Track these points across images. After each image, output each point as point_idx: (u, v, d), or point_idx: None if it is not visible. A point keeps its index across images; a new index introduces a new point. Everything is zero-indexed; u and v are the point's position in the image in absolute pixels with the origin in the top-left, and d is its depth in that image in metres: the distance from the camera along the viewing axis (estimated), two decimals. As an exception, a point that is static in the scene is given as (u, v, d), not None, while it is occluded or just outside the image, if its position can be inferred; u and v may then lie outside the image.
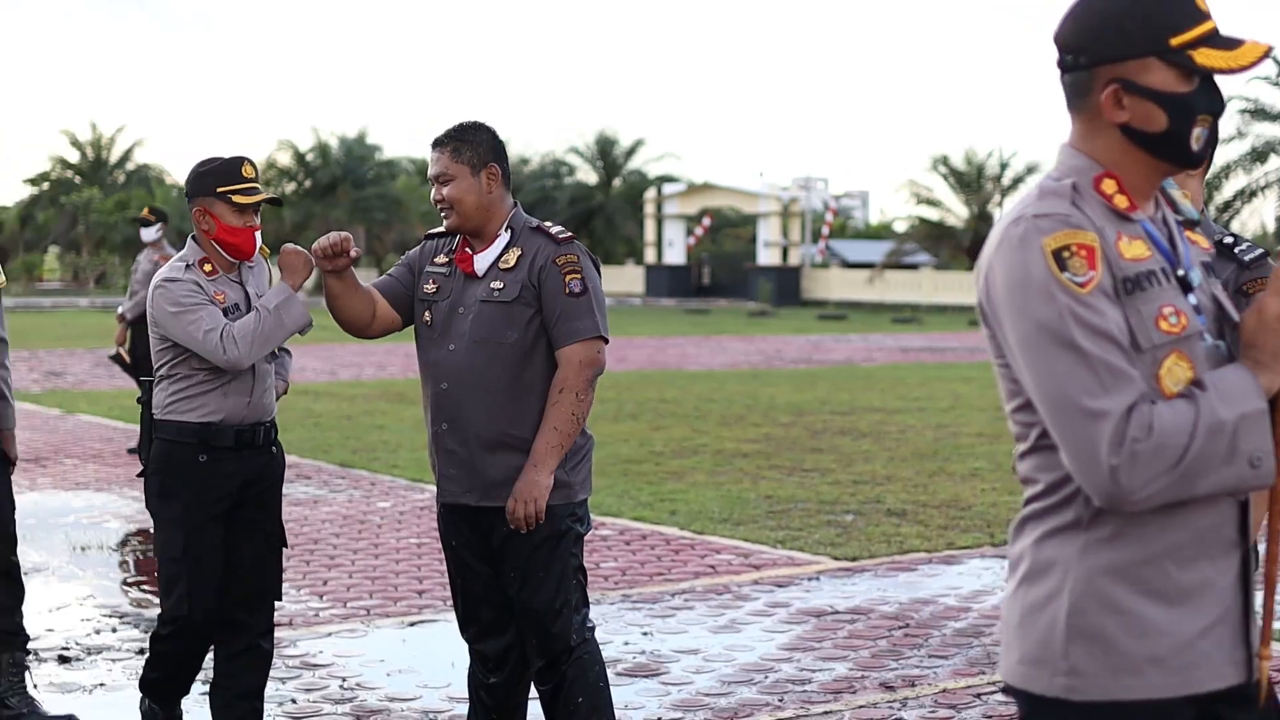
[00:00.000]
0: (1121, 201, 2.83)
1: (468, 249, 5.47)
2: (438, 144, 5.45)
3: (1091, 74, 2.84)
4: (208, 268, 5.94)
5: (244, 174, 5.90)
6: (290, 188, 76.41)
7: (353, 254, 5.47)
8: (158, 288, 5.86)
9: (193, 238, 6.00)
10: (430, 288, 5.51)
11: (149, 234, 15.58)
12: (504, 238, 5.43)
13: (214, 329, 5.74)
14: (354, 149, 76.13)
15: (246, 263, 6.09)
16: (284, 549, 6.22)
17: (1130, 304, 2.73)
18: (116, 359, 15.56)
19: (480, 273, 5.42)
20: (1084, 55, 2.84)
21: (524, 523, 5.26)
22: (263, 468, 6.04)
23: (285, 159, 76.45)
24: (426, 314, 5.50)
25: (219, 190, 5.88)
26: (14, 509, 6.85)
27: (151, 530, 6.77)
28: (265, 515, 6.07)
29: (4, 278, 6.83)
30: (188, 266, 5.91)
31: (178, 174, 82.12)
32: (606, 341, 5.41)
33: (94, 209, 75.70)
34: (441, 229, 5.56)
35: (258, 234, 5.98)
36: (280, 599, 6.23)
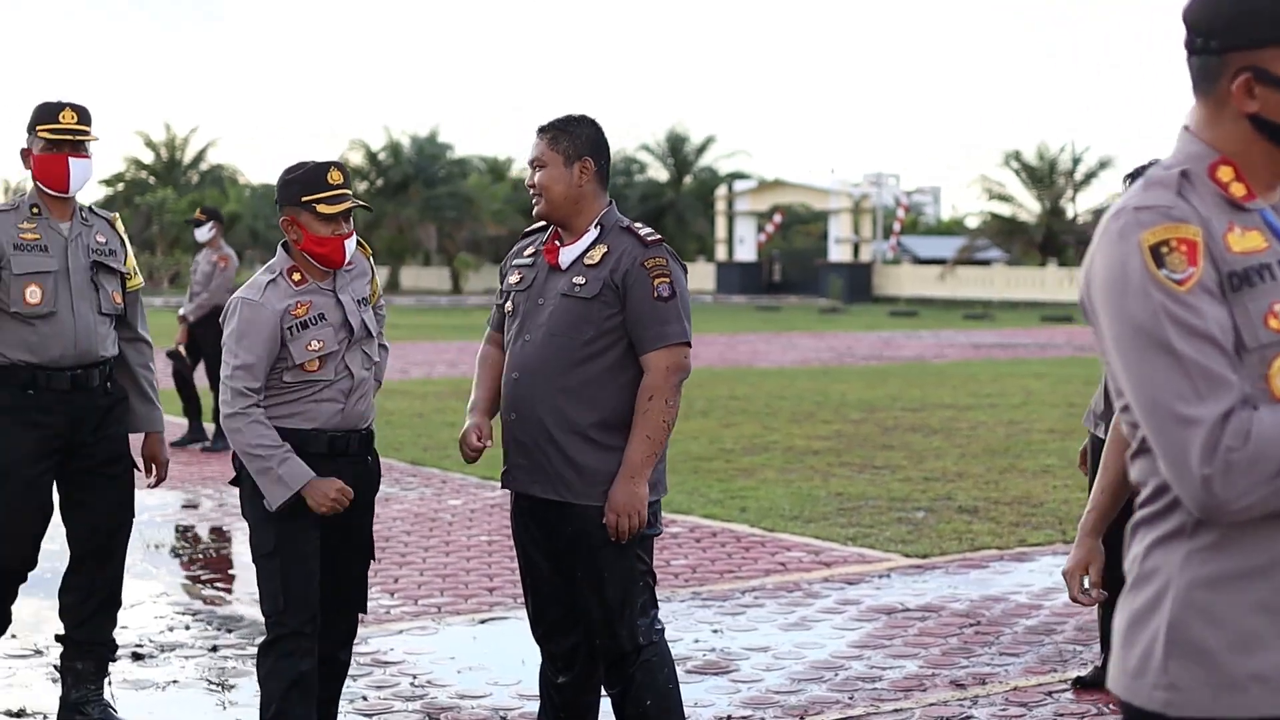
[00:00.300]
0: (1238, 189, 2.68)
1: (556, 241, 5.47)
2: (540, 130, 5.46)
3: (1222, 59, 2.67)
4: (296, 276, 5.67)
5: (330, 180, 5.63)
6: (363, 187, 76.76)
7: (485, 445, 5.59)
8: (232, 303, 5.66)
9: (282, 245, 5.75)
10: (514, 279, 5.52)
11: (202, 234, 15.66)
12: (592, 234, 5.40)
13: (230, 376, 5.55)
14: (425, 148, 76.41)
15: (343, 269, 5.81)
16: (371, 561, 5.98)
17: (1237, 300, 2.58)
18: (174, 355, 15.64)
19: (564, 266, 5.39)
20: (1214, 39, 2.67)
21: (624, 535, 5.26)
22: (356, 477, 5.74)
23: (357, 158, 76.82)
24: (509, 304, 5.51)
25: (304, 199, 5.60)
26: (132, 520, 6.76)
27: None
28: (356, 525, 5.81)
29: (140, 277, 6.79)
30: (273, 279, 5.66)
31: (251, 174, 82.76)
32: (691, 346, 5.37)
33: (168, 209, 76.25)
34: (535, 225, 5.60)
35: (349, 241, 5.70)
36: (365, 610, 6.07)
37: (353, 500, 5.66)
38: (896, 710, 6.83)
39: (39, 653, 7.78)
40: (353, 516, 5.73)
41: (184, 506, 12.41)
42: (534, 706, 6.79)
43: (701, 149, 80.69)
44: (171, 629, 8.33)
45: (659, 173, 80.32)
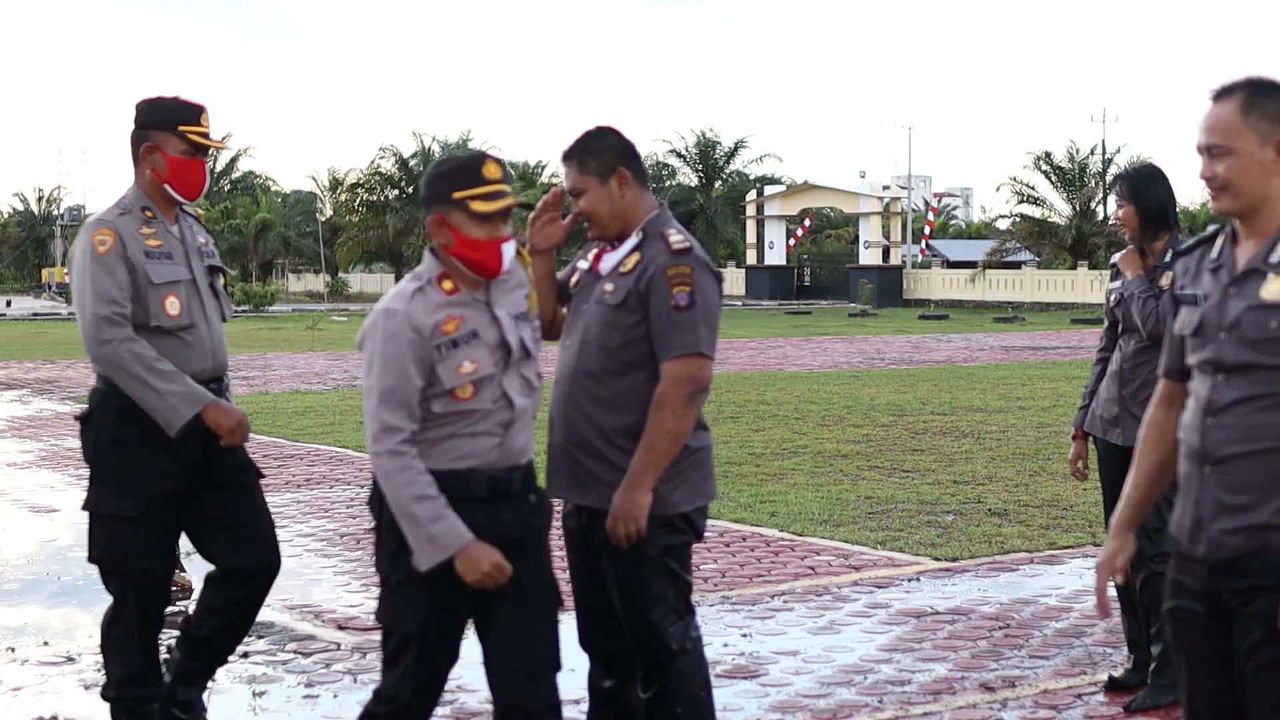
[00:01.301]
0: None
1: (607, 246, 5.48)
2: (565, 158, 5.44)
3: None
4: (448, 285, 4.93)
5: (485, 175, 4.95)
6: (393, 194, 76.95)
7: (563, 223, 5.51)
8: (372, 317, 4.90)
9: (430, 250, 5.01)
10: (574, 281, 5.54)
11: None
12: (633, 240, 5.37)
13: (371, 402, 4.80)
14: (455, 154, 76.60)
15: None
16: (559, 607, 5.10)
17: None
18: None
19: (604, 273, 5.40)
20: None
21: (624, 542, 5.26)
22: (518, 518, 4.96)
23: (388, 165, 76.99)
24: (564, 309, 5.54)
25: (456, 196, 4.91)
26: (267, 520, 6.42)
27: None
28: (528, 571, 4.95)
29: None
30: (420, 288, 4.91)
31: (283, 181, 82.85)
32: (710, 359, 5.26)
33: (202, 218, 76.53)
34: None
35: (508, 246, 5.00)
36: (559, 668, 5.08)
37: (518, 544, 4.93)
38: (926, 714, 6.83)
39: (71, 660, 7.83)
40: (521, 564, 4.91)
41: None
42: (565, 710, 6.81)
43: (731, 154, 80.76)
44: (203, 635, 8.35)
45: (689, 178, 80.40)
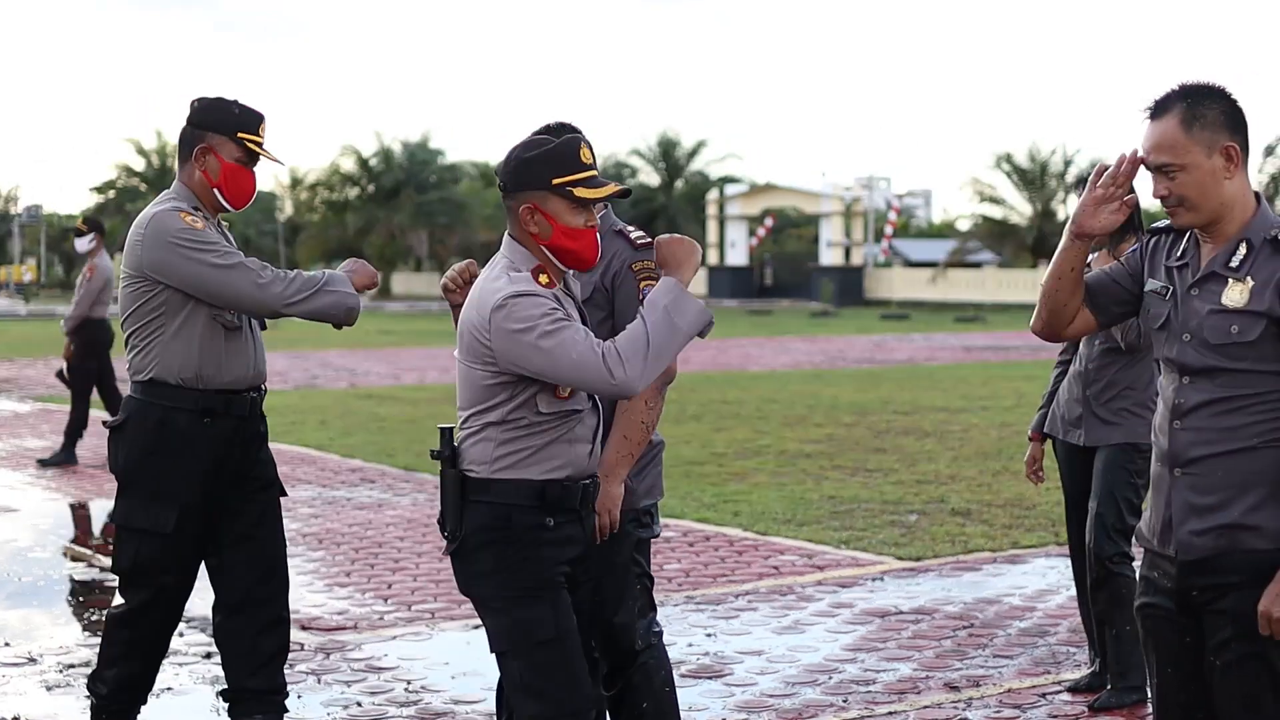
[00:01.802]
0: None
1: None
2: None
3: None
4: (544, 279, 4.59)
5: (583, 159, 4.60)
6: (354, 193, 76.75)
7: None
8: (500, 307, 4.45)
9: (512, 238, 4.65)
10: None
11: (82, 245, 15.12)
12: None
13: (591, 349, 4.42)
14: (417, 153, 76.50)
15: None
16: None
17: None
18: (60, 375, 15.26)
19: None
20: None
21: (598, 534, 5.25)
22: (588, 530, 4.84)
23: (349, 164, 76.77)
24: None
25: (556, 181, 4.55)
26: (283, 544, 6.27)
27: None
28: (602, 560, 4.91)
29: None
30: (525, 279, 4.56)
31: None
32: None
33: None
34: None
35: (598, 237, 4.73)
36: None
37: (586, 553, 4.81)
38: (891, 713, 6.83)
39: (32, 660, 7.78)
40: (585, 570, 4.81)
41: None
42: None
43: (693, 153, 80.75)
44: (165, 636, 8.30)
45: (650, 177, 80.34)
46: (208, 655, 7.80)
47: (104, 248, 15.23)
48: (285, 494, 6.32)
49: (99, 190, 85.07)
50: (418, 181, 75.13)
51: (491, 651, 4.67)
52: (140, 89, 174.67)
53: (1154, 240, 4.26)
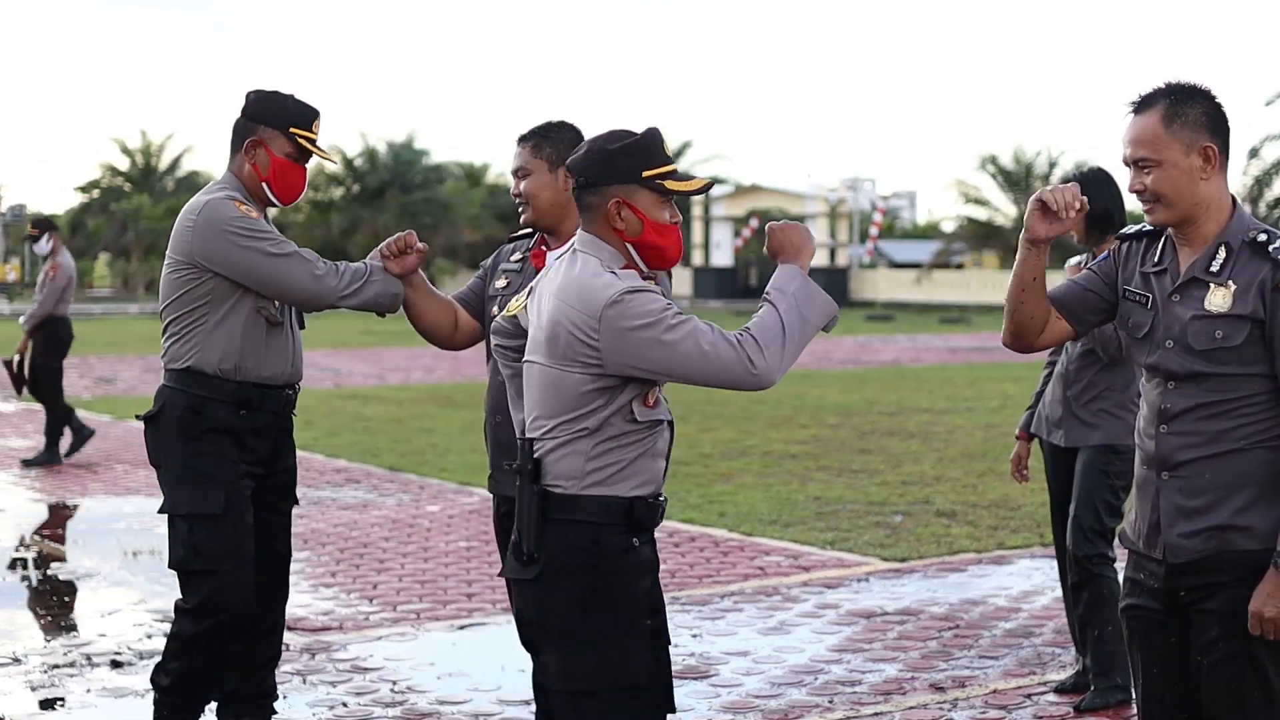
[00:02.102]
0: None
1: (544, 246, 5.47)
2: (522, 139, 5.48)
3: None
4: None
5: (667, 151, 4.34)
6: (338, 193, 76.72)
7: (419, 248, 5.53)
8: (615, 303, 4.09)
9: (594, 236, 4.29)
10: (501, 283, 5.53)
11: (41, 247, 15.07)
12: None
13: (724, 338, 4.11)
14: (401, 154, 76.41)
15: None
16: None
17: None
18: (7, 364, 15.09)
19: None
20: None
21: None
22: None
23: (334, 164, 76.66)
24: (495, 308, 5.51)
25: (646, 174, 4.24)
26: (290, 556, 6.28)
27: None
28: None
29: None
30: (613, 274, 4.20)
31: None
32: None
33: (144, 216, 75.98)
34: (522, 231, 5.58)
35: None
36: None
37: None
38: (876, 714, 6.84)
39: (17, 661, 7.75)
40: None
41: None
42: (513, 712, 6.80)
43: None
44: (150, 636, 8.30)
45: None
46: (192, 655, 7.78)
47: (62, 246, 15.27)
48: (298, 502, 6.31)
49: (83, 190, 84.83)
50: (403, 182, 75.03)
51: (555, 688, 4.31)
52: (125, 88, 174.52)
53: (1127, 247, 4.27)
